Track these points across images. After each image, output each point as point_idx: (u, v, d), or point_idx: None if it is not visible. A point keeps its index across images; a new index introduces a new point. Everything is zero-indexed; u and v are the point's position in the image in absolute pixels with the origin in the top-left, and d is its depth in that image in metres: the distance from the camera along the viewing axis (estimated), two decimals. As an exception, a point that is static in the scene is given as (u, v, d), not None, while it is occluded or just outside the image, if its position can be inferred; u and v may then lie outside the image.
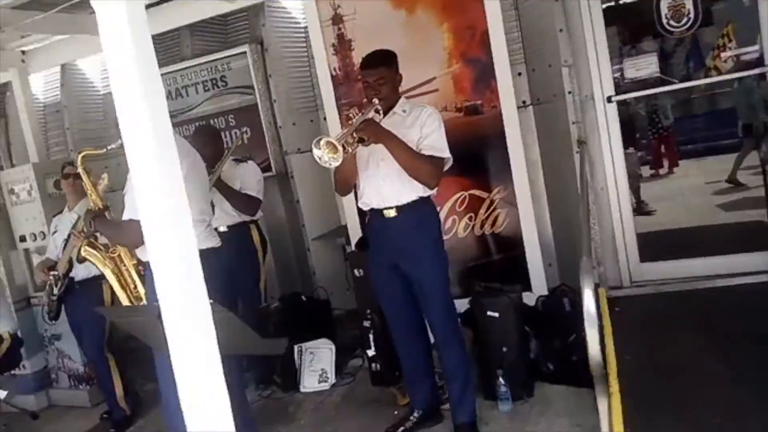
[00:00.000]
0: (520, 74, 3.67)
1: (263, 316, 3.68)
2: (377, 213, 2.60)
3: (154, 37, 4.16)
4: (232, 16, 4.28)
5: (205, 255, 2.45)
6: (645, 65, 3.41)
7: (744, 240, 3.75)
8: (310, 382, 3.61)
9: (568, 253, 3.71)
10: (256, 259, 3.71)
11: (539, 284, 3.48)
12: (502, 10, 3.55)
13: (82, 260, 2.70)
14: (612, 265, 3.65)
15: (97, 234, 2.68)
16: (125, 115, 1.44)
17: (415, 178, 2.45)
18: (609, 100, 3.49)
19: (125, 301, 2.56)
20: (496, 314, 2.92)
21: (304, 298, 3.84)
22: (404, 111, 2.59)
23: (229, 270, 3.61)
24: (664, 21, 3.31)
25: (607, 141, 3.54)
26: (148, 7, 4.05)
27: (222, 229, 3.60)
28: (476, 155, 3.55)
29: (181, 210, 1.49)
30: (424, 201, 2.54)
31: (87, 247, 2.57)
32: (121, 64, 1.42)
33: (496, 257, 3.63)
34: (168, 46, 4.46)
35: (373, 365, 3.23)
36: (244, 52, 4.09)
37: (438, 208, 3.53)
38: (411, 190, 2.50)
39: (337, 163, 2.23)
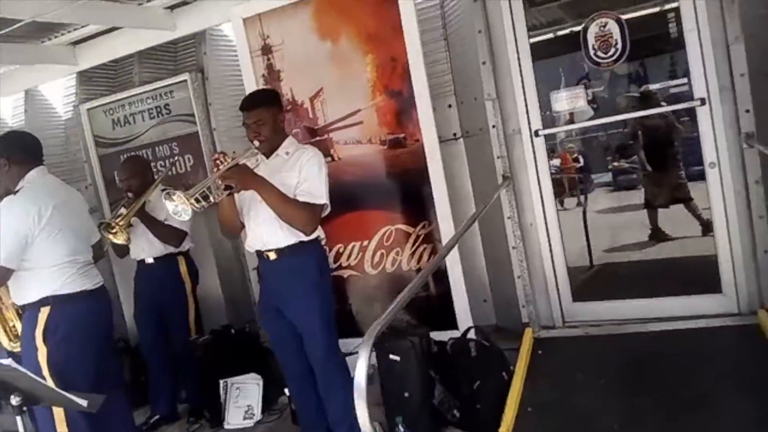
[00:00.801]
0: (450, 106, 3.59)
1: (191, 349, 3.66)
2: (260, 255, 2.55)
3: (108, 63, 4.17)
4: (181, 43, 4.29)
5: (75, 298, 2.47)
6: (572, 98, 3.29)
7: (688, 281, 3.58)
8: (234, 418, 3.56)
9: (505, 290, 3.61)
10: (183, 291, 3.68)
11: (465, 323, 3.37)
12: (432, 41, 3.51)
13: None
14: (544, 305, 3.51)
15: None
16: None
17: (289, 224, 2.40)
18: (536, 134, 3.38)
19: (4, 339, 2.57)
20: (398, 358, 2.83)
21: (233, 331, 3.80)
22: (287, 153, 2.54)
23: (156, 301, 3.67)
24: (591, 52, 3.19)
25: (534, 175, 3.42)
26: (100, 34, 4.17)
27: (149, 260, 3.64)
28: (401, 189, 3.49)
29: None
30: (303, 245, 2.48)
31: None
32: None
33: (423, 294, 3.53)
34: (120, 74, 4.50)
35: (293, 404, 3.17)
36: (186, 80, 4.09)
37: (366, 242, 3.51)
38: (290, 234, 2.45)
39: (188, 216, 2.20)
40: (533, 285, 3.47)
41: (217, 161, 2.33)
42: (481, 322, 3.67)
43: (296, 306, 2.50)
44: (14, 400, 1.75)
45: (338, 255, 3.66)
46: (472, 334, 3.10)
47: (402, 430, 2.75)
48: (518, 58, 3.33)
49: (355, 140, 3.52)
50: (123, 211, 3.44)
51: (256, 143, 2.50)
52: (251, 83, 3.68)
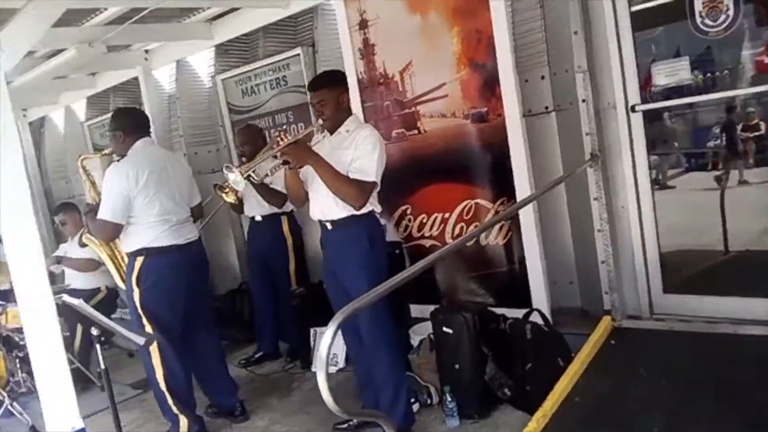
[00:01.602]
0: (543, 77, 3.43)
1: (290, 298, 4.07)
2: (321, 224, 2.76)
3: (239, 38, 4.62)
4: (300, 18, 4.59)
5: (165, 251, 2.91)
6: (675, 71, 2.98)
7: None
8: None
9: (592, 274, 3.46)
10: (285, 247, 4.08)
11: (541, 302, 3.32)
12: (526, 9, 3.38)
13: (83, 245, 3.31)
14: (631, 293, 3.30)
15: None
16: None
17: (340, 199, 2.56)
18: (633, 109, 3.12)
19: (119, 281, 3.11)
20: (450, 331, 2.91)
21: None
22: (347, 131, 2.68)
23: (263, 254, 4.12)
24: (698, 20, 2.84)
25: (629, 154, 3.18)
26: (231, 11, 4.62)
27: (258, 218, 4.08)
28: (482, 164, 3.46)
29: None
30: (355, 218, 2.63)
31: (88, 235, 3.16)
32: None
33: (500, 270, 3.53)
34: (248, 48, 4.94)
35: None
36: (299, 54, 4.39)
37: (447, 214, 3.58)
38: (343, 207, 2.61)
39: (241, 188, 2.47)
40: (620, 272, 3.28)
41: (279, 138, 2.56)
42: (565, 304, 3.59)
43: (346, 274, 2.68)
44: (94, 331, 2.19)
45: (422, 225, 3.77)
46: (537, 317, 3.05)
47: (449, 399, 2.85)
48: (616, 27, 3.08)
49: (440, 113, 3.55)
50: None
51: (320, 121, 2.68)
52: (349, 56, 3.86)
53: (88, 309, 2.22)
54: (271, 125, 4.73)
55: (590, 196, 3.26)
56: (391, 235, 3.87)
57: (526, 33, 3.38)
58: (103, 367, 2.25)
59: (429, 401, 3.09)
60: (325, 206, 2.66)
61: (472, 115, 3.41)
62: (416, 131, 3.66)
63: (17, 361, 4.06)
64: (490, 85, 3.30)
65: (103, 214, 2.82)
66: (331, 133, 2.73)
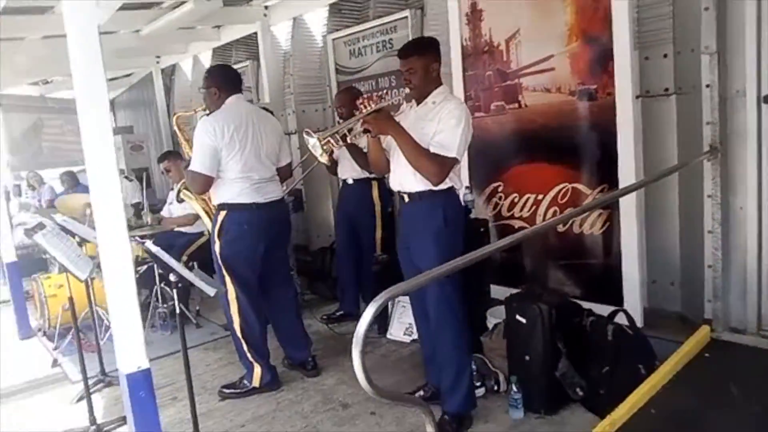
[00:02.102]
0: (666, 56, 3.08)
1: (372, 262, 4.11)
2: (399, 195, 2.72)
3: (343, 1, 4.60)
4: (412, -22, 4.47)
5: (246, 207, 3.00)
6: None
7: None
8: (396, 331, 3.95)
9: (696, 277, 3.15)
10: (373, 211, 4.10)
11: (633, 301, 3.08)
12: (654, -21, 3.03)
13: (180, 200, 3.49)
14: (738, 304, 2.96)
15: None
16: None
17: (418, 172, 2.49)
18: (765, 100, 2.72)
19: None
20: (524, 320, 2.78)
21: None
22: (434, 102, 2.58)
23: (351, 217, 4.18)
24: None
25: (755, 151, 2.79)
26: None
27: (349, 181, 4.13)
28: (585, 146, 3.21)
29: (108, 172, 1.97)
30: (433, 193, 2.54)
31: (185, 190, 3.34)
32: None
33: (593, 261, 3.30)
34: (360, 8, 4.90)
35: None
36: (406, 17, 4.29)
37: (541, 196, 3.40)
38: (421, 181, 2.54)
39: (318, 154, 2.46)
40: (729, 279, 2.94)
41: (362, 105, 2.52)
42: (663, 306, 3.32)
43: (417, 248, 2.62)
44: (172, 277, 2.34)
45: (512, 204, 3.61)
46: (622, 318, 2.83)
47: (515, 389, 2.74)
48: (758, 7, 2.66)
49: (544, 87, 3.32)
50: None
51: (407, 90, 2.60)
52: (455, 21, 3.70)
53: (165, 256, 2.36)
54: (374, 89, 4.71)
55: (704, 193, 2.92)
56: (479, 211, 3.74)
57: (651, 5, 3.04)
58: (178, 311, 2.41)
59: (496, 388, 3.00)
60: (404, 178, 2.61)
61: (579, 92, 3.15)
62: (517, 105, 3.46)
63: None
64: (603, 61, 3.01)
65: (193, 166, 2.96)
66: (418, 103, 2.64)
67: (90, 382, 3.34)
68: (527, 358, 2.78)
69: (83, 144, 2.02)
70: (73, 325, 3.15)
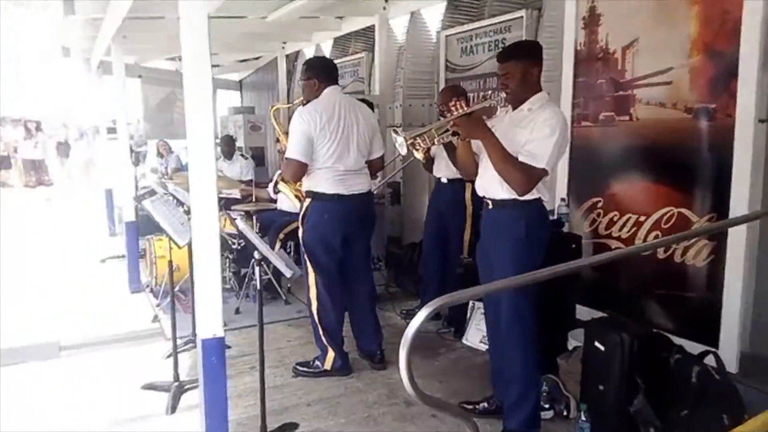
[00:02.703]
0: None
1: (457, 265, 4.07)
2: (484, 201, 2.66)
3: None
4: (534, -23, 4.32)
5: (328, 198, 3.08)
6: None
7: None
8: (473, 338, 3.89)
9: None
10: (463, 214, 4.04)
11: (730, 344, 2.82)
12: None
13: (276, 192, 3.62)
14: None
15: None
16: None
17: (504, 180, 2.42)
18: None
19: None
20: (602, 347, 2.63)
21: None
22: (530, 109, 2.49)
23: (441, 216, 4.16)
24: None
25: None
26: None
27: (443, 180, 4.11)
28: (697, 169, 2.96)
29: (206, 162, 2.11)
30: (518, 203, 2.46)
31: (281, 182, 3.49)
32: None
33: (691, 295, 3.04)
34: (477, 5, 4.83)
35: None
36: (521, 17, 4.16)
37: (643, 218, 3.21)
38: (506, 190, 2.47)
39: (404, 152, 2.46)
40: None
41: (454, 107, 2.48)
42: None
43: (494, 257, 2.56)
44: (256, 255, 2.47)
45: (611, 223, 3.41)
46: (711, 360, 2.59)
47: (584, 418, 2.61)
48: None
49: (658, 102, 3.08)
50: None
51: (503, 94, 2.53)
52: (571, 24, 3.55)
53: (251, 234, 2.49)
54: (480, 88, 4.63)
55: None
56: (574, 226, 3.58)
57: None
58: (258, 287, 2.53)
59: (565, 413, 2.88)
60: (489, 184, 2.55)
61: (696, 111, 2.90)
62: (627, 117, 3.26)
63: (227, 261, 4.78)
64: (725, 79, 2.75)
65: (289, 153, 3.08)
66: (514, 108, 2.57)
67: (182, 341, 3.65)
68: (601, 387, 2.63)
69: (186, 120, 2.16)
70: (169, 288, 3.41)
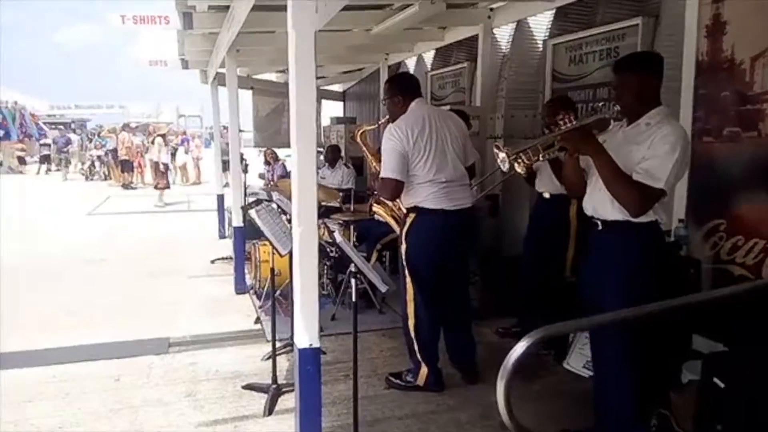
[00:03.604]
0: None
1: (557, 284, 3.89)
2: (592, 221, 2.51)
3: (579, 1, 4.42)
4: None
5: (433, 213, 3.04)
6: None
7: None
8: (575, 363, 3.69)
9: None
10: (566, 231, 3.86)
11: None
12: None
13: (372, 213, 3.62)
14: None
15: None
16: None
17: (616, 200, 2.27)
18: None
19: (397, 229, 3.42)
20: (723, 385, 2.39)
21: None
22: (647, 124, 2.32)
23: (544, 232, 4.01)
24: None
25: None
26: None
27: (546, 195, 3.97)
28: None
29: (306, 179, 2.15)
30: (631, 226, 2.29)
31: (375, 205, 3.50)
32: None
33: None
34: (588, 12, 4.61)
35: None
36: (636, 25, 3.92)
37: (750, 240, 2.92)
38: (618, 210, 2.31)
39: (506, 168, 2.37)
40: None
41: (562, 120, 2.36)
42: None
43: (601, 284, 2.38)
44: (353, 267, 2.49)
45: (734, 247, 3.12)
46: None
47: (697, 459, 2.39)
48: None
49: (794, 117, 2.79)
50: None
51: (616, 107, 2.38)
52: (692, 33, 3.30)
53: (347, 248, 2.51)
54: (590, 98, 4.42)
55: None
56: (693, 249, 3.30)
57: None
58: (353, 299, 2.54)
59: (676, 451, 2.65)
60: (600, 203, 2.41)
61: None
62: (755, 133, 2.97)
63: (325, 267, 4.89)
64: None
65: (384, 172, 3.07)
66: (629, 123, 2.41)
67: (280, 344, 3.77)
68: (719, 428, 2.39)
69: (291, 130, 2.22)
70: (271, 294, 3.53)
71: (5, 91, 23.65)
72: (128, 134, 15.66)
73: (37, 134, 23.30)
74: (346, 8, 5.44)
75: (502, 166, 2.48)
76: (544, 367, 3.70)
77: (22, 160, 21.62)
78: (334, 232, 2.61)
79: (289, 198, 5.02)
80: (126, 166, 15.50)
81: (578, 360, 3.67)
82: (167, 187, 12.55)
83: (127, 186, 15.51)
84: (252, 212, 2.98)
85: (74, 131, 24.91)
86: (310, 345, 2.23)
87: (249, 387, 3.36)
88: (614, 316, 1.69)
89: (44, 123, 29.60)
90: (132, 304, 5.05)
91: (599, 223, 2.44)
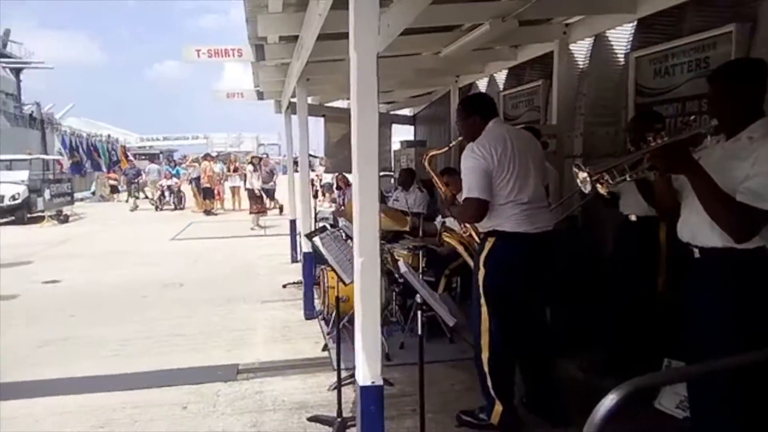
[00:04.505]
0: None
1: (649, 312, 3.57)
2: (689, 247, 2.24)
3: (666, 10, 4.14)
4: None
5: (514, 237, 2.84)
6: None
7: None
8: (667, 402, 3.34)
9: None
10: (657, 257, 3.53)
11: None
12: None
13: (441, 243, 3.46)
14: None
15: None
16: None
17: (716, 223, 2.00)
18: None
19: (465, 256, 3.23)
20: None
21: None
22: (750, 137, 2.04)
23: (630, 258, 3.70)
24: None
25: None
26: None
27: (632, 218, 3.67)
28: None
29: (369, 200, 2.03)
30: (736, 254, 2.01)
31: (445, 233, 3.34)
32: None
33: None
34: (673, 22, 4.30)
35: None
36: (730, 32, 3.59)
37: None
38: (719, 236, 2.04)
39: (588, 190, 2.14)
40: None
41: (652, 137, 2.13)
42: None
43: (702, 323, 2.09)
44: (418, 299, 2.34)
45: None
46: None
47: None
48: None
49: None
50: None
51: (713, 122, 2.12)
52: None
53: (412, 278, 2.37)
54: (679, 113, 4.08)
55: None
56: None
57: None
58: (420, 333, 2.39)
59: None
60: (698, 228, 2.13)
61: None
62: None
63: (394, 293, 4.75)
64: None
65: (468, 192, 2.91)
66: (729, 137, 2.14)
67: (347, 373, 3.64)
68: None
69: (353, 155, 2.12)
70: (335, 323, 3.43)
71: (101, 125, 25.57)
72: (209, 163, 16.35)
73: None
74: (414, 31, 5.44)
75: (582, 188, 2.27)
76: (631, 405, 3.34)
77: (114, 189, 23.10)
78: (399, 260, 2.46)
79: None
80: (207, 194, 16.15)
81: (671, 400, 3.31)
82: (262, 211, 12.77)
83: (208, 212, 16.14)
84: (316, 240, 2.90)
85: (167, 161, 26.16)
86: (373, 383, 2.09)
87: (314, 419, 3.25)
88: (722, 364, 1.43)
89: (133, 154, 31.68)
90: (205, 329, 5.12)
91: (697, 250, 2.17)
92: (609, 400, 1.28)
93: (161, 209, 18.05)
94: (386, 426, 3.16)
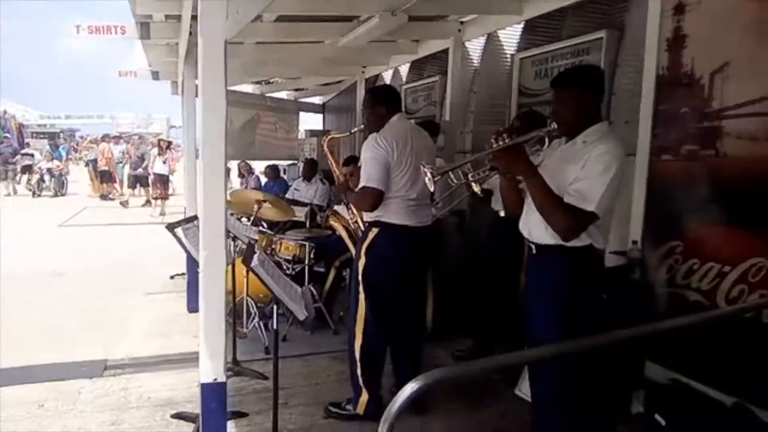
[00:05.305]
0: None
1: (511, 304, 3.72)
2: (527, 243, 2.35)
3: (549, 13, 4.26)
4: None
5: (398, 229, 2.89)
6: None
7: None
8: (527, 390, 3.37)
9: None
10: (521, 250, 3.62)
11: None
12: None
13: (327, 227, 3.46)
14: None
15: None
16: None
17: (546, 222, 2.11)
18: None
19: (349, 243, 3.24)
20: (663, 422, 2.23)
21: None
22: (584, 142, 2.17)
23: (498, 250, 3.86)
24: None
25: None
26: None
27: (501, 213, 3.78)
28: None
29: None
30: (564, 250, 2.13)
31: (333, 217, 3.34)
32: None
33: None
34: (553, 26, 4.49)
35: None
36: (601, 38, 3.79)
37: (727, 268, 2.75)
38: (550, 234, 2.16)
39: (431, 188, 2.21)
40: None
41: (495, 138, 2.20)
42: None
43: (535, 311, 2.23)
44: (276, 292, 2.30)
45: (690, 271, 2.95)
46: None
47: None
48: None
49: (751, 135, 2.64)
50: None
51: (553, 125, 2.23)
52: (653, 47, 3.16)
53: (262, 271, 2.33)
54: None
55: None
56: (650, 273, 3.14)
57: None
58: (275, 327, 2.36)
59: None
60: (534, 225, 2.25)
61: (797, 146, 2.44)
62: (713, 152, 2.82)
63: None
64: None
65: (367, 182, 2.93)
66: (568, 140, 2.25)
67: (220, 368, 3.55)
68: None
69: (200, 143, 2.06)
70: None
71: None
72: (108, 145, 15.44)
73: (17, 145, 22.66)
74: (314, 19, 5.34)
75: (429, 186, 2.31)
76: (494, 393, 3.50)
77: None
78: (255, 254, 2.40)
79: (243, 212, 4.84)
80: (105, 177, 15.25)
81: (529, 387, 3.47)
82: (165, 197, 12.22)
83: (105, 197, 15.26)
84: (178, 231, 2.79)
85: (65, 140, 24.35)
86: (215, 380, 2.04)
87: (178, 416, 3.14)
88: (549, 350, 1.50)
89: (33, 133, 29.30)
90: (80, 322, 4.81)
91: (533, 246, 2.29)
92: (409, 389, 1.30)
93: (39, 195, 15.58)
94: (254, 420, 3.15)
